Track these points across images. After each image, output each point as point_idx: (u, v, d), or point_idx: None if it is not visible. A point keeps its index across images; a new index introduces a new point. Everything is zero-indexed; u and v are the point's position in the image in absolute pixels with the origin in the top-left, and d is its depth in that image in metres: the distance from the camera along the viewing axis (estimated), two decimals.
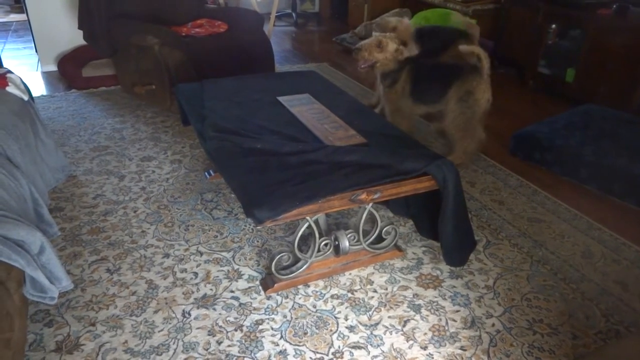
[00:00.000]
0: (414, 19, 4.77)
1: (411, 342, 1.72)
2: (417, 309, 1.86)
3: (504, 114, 3.66)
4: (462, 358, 1.66)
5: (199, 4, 3.96)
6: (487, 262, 2.12)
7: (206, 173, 2.67)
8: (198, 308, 1.83)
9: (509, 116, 3.61)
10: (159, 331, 1.73)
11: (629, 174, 2.53)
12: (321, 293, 1.92)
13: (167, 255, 2.09)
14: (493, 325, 1.80)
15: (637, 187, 2.51)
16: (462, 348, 1.70)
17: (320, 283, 1.97)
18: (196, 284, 1.94)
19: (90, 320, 1.76)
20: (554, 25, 3.87)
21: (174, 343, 1.68)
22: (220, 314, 1.81)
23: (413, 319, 1.81)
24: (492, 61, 4.55)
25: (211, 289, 1.92)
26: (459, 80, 2.72)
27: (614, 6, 3.47)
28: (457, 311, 1.86)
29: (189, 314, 1.80)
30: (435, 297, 1.92)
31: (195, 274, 2.00)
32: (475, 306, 1.88)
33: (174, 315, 1.80)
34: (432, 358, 1.66)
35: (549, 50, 3.95)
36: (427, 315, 1.83)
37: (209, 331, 1.74)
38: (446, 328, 1.78)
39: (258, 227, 2.26)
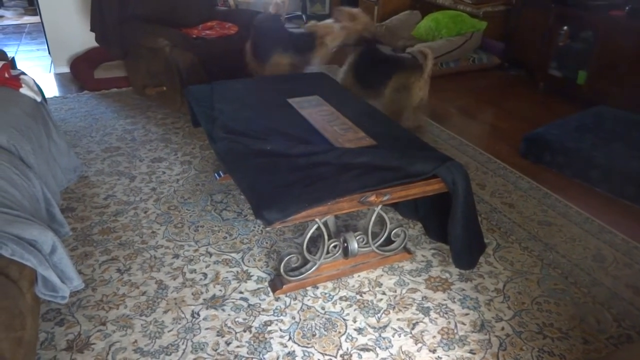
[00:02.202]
0: (424, 21, 4.77)
1: (420, 345, 1.71)
2: (426, 311, 1.85)
3: (514, 116, 3.64)
4: None
5: (210, 6, 3.99)
6: (497, 265, 2.10)
7: (216, 174, 2.69)
8: (207, 309, 1.84)
9: (519, 118, 3.60)
10: (168, 331, 1.74)
11: None
12: (330, 295, 1.92)
13: (176, 256, 2.10)
14: (503, 329, 1.79)
15: None
16: (471, 352, 1.69)
17: (329, 285, 1.97)
18: (205, 285, 1.95)
19: (101, 319, 1.78)
20: (565, 27, 3.84)
21: (183, 343, 1.69)
22: (229, 314, 1.82)
23: (422, 322, 1.81)
24: (502, 63, 4.57)
25: (220, 290, 1.93)
26: (399, 72, 2.92)
27: (626, 8, 3.44)
28: (467, 314, 1.85)
29: (198, 315, 1.81)
30: (445, 300, 1.91)
31: (205, 274, 2.01)
32: (485, 309, 1.87)
33: (183, 315, 1.81)
34: None
35: (560, 52, 3.92)
36: (436, 318, 1.82)
37: (217, 332, 1.74)
38: (455, 331, 1.77)
39: (267, 229, 2.27)
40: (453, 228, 1.89)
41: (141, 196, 2.51)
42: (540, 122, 3.34)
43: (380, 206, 1.92)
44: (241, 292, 1.92)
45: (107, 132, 3.17)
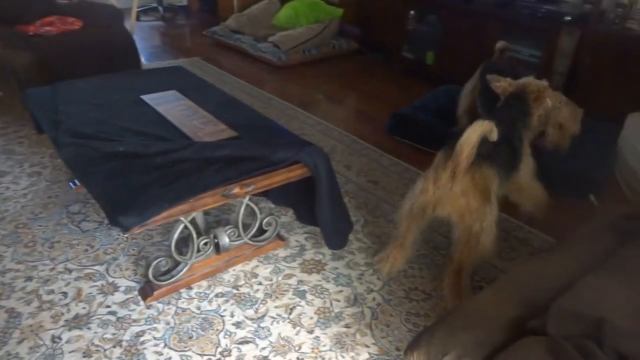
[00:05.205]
0: (284, 10, 4.80)
1: (298, 328, 1.74)
2: (302, 295, 1.89)
3: (375, 98, 3.84)
4: (347, 335, 1.72)
5: (48, 0, 3.61)
6: (366, 240, 2.21)
7: (71, 183, 2.46)
8: (70, 330, 1.69)
9: (379, 99, 3.80)
10: None
11: None
12: (205, 294, 1.87)
13: (29, 278, 1.90)
14: (374, 299, 1.89)
15: None
16: (346, 326, 1.77)
17: (204, 283, 1.92)
18: (66, 305, 1.79)
19: None
20: (412, 12, 4.12)
21: None
22: (95, 332, 1.69)
23: (299, 305, 1.84)
24: (360, 47, 4.78)
25: (84, 308, 1.78)
26: None
27: None
28: (341, 291, 1.92)
29: (60, 338, 1.65)
30: (319, 280, 1.97)
31: (65, 293, 1.84)
32: (357, 284, 1.96)
33: (41, 342, 1.64)
34: (319, 340, 1.70)
35: (411, 35, 4.20)
36: (312, 300, 1.87)
37: (84, 353, 1.61)
38: (331, 309, 1.83)
39: (127, 235, 2.13)
40: (320, 210, 1.94)
41: None
42: (399, 102, 3.56)
43: (247, 197, 1.91)
44: (108, 306, 1.79)
45: None
